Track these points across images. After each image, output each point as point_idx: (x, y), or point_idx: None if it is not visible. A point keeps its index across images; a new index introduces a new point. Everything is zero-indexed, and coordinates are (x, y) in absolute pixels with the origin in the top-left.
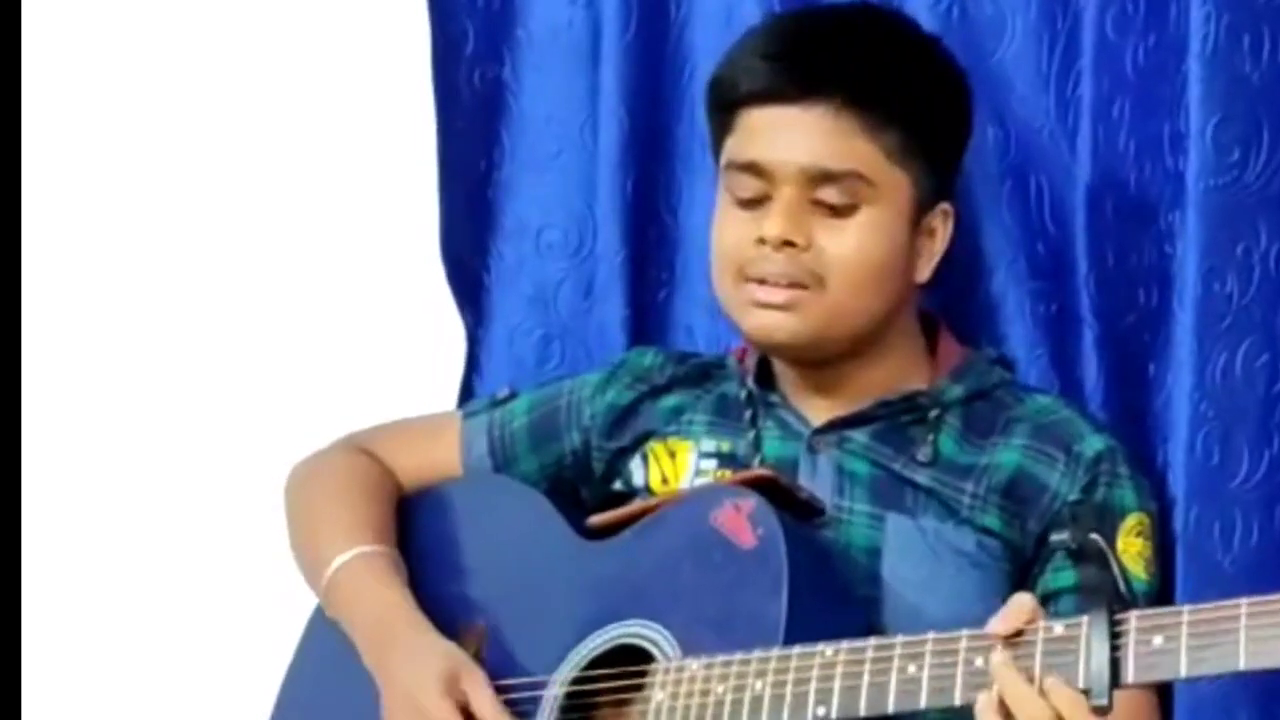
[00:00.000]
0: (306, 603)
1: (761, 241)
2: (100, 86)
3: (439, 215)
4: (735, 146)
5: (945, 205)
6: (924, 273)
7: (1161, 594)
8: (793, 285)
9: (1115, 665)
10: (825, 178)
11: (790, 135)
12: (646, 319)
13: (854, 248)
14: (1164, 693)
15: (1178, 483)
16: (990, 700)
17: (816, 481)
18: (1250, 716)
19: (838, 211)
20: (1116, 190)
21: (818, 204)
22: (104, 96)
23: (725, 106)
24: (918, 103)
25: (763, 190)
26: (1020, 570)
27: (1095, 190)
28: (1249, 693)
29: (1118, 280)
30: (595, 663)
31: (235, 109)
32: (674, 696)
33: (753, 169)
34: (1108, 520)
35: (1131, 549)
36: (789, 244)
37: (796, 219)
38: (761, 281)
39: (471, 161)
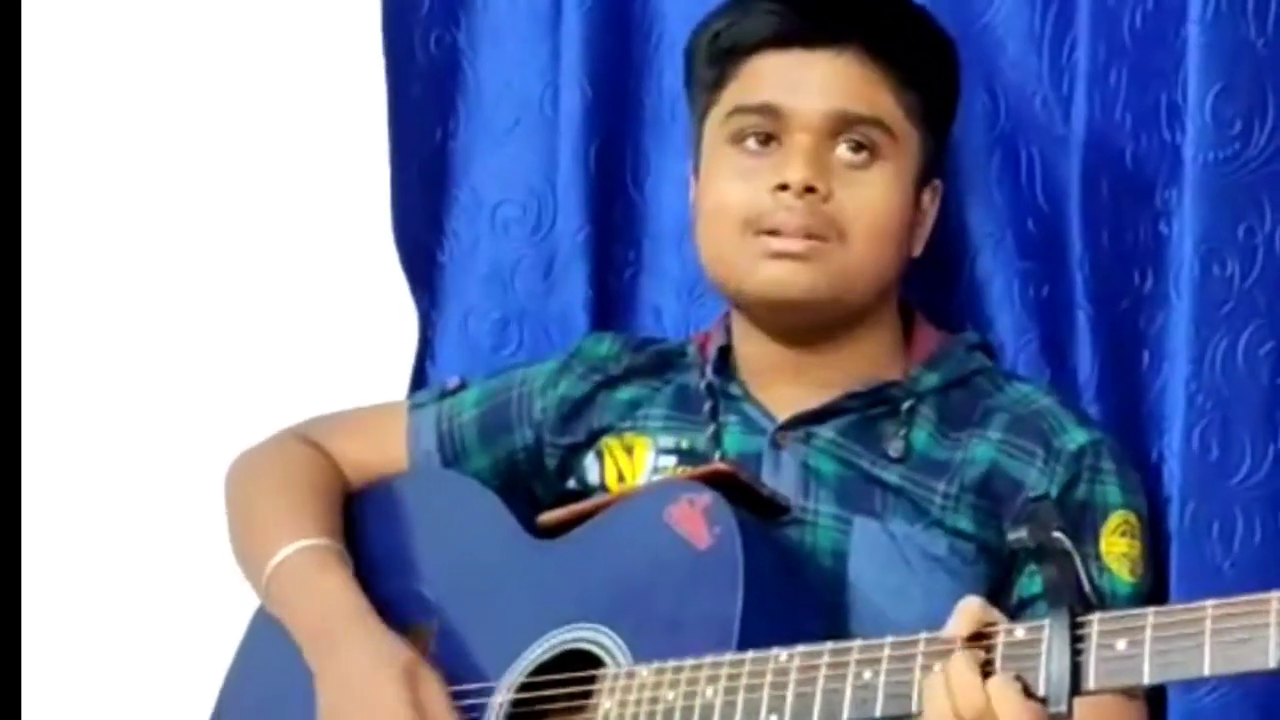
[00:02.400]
0: None
1: (781, 188)
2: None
3: (390, 190)
4: (741, 92)
5: (936, 181)
6: (917, 247)
7: (1155, 598)
8: (811, 237)
9: (1076, 671)
10: (849, 123)
11: (814, 80)
12: (611, 301)
13: (874, 199)
14: (1157, 703)
15: (1173, 479)
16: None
17: (780, 480)
18: None
19: (856, 163)
20: (1113, 164)
21: (834, 153)
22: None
23: (727, 55)
24: (931, 66)
25: (775, 133)
26: (999, 574)
27: (1090, 164)
28: (1250, 704)
29: (1113, 261)
30: (544, 668)
31: (172, 72)
32: (622, 705)
33: (767, 110)
34: (1089, 519)
35: (1115, 549)
36: (811, 190)
37: (817, 165)
38: (775, 233)
39: (425, 132)
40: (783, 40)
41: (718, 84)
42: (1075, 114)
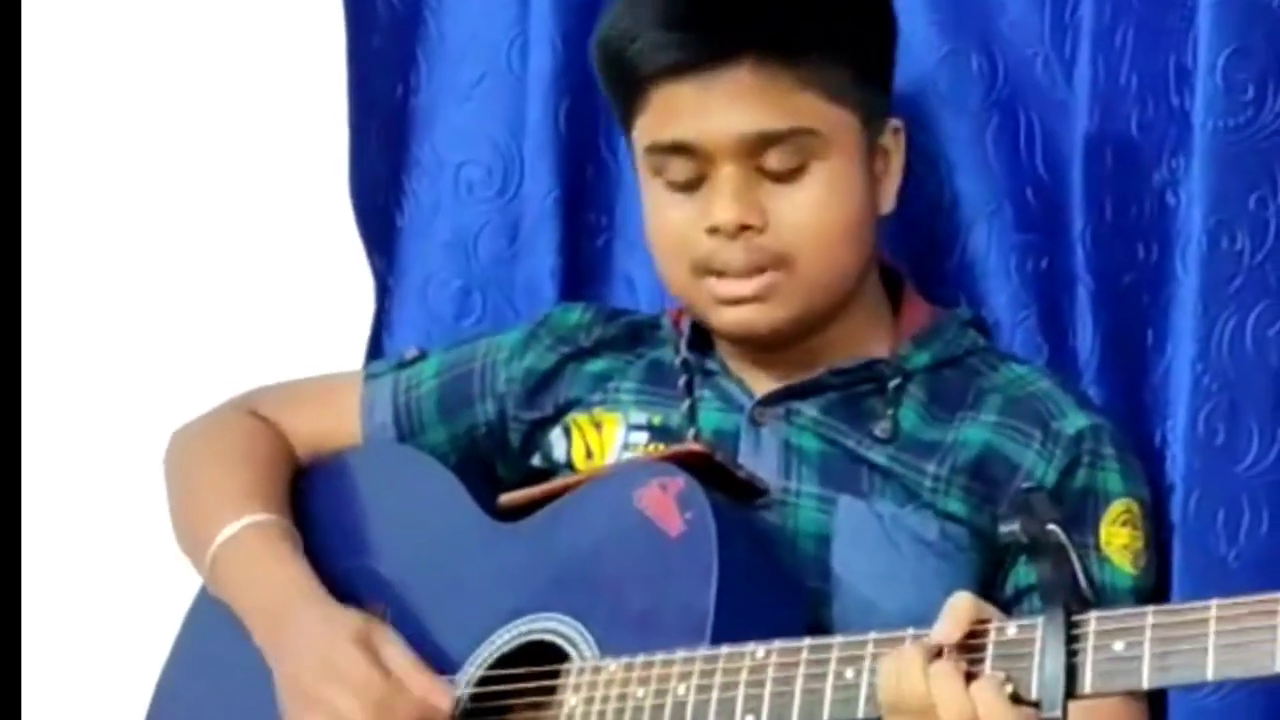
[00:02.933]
0: None
1: (714, 230)
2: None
3: (349, 149)
4: (654, 127)
5: (894, 121)
6: (888, 202)
7: (1158, 592)
8: (759, 271)
9: (1071, 672)
10: (768, 142)
11: (718, 106)
12: (580, 269)
13: (814, 214)
14: (1158, 702)
15: (1176, 466)
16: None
17: (759, 459)
18: None
19: (785, 176)
20: (1117, 131)
21: (761, 172)
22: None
23: (629, 82)
24: (845, 27)
25: (697, 171)
26: (992, 561)
27: (1094, 130)
28: (1258, 707)
29: (1116, 234)
30: (504, 660)
31: (123, 23)
32: (589, 701)
33: (683, 150)
34: (1090, 508)
35: (1117, 540)
36: (745, 228)
37: (746, 197)
38: (722, 274)
39: (385, 88)
40: (678, 70)
41: (628, 108)
42: (1078, 77)
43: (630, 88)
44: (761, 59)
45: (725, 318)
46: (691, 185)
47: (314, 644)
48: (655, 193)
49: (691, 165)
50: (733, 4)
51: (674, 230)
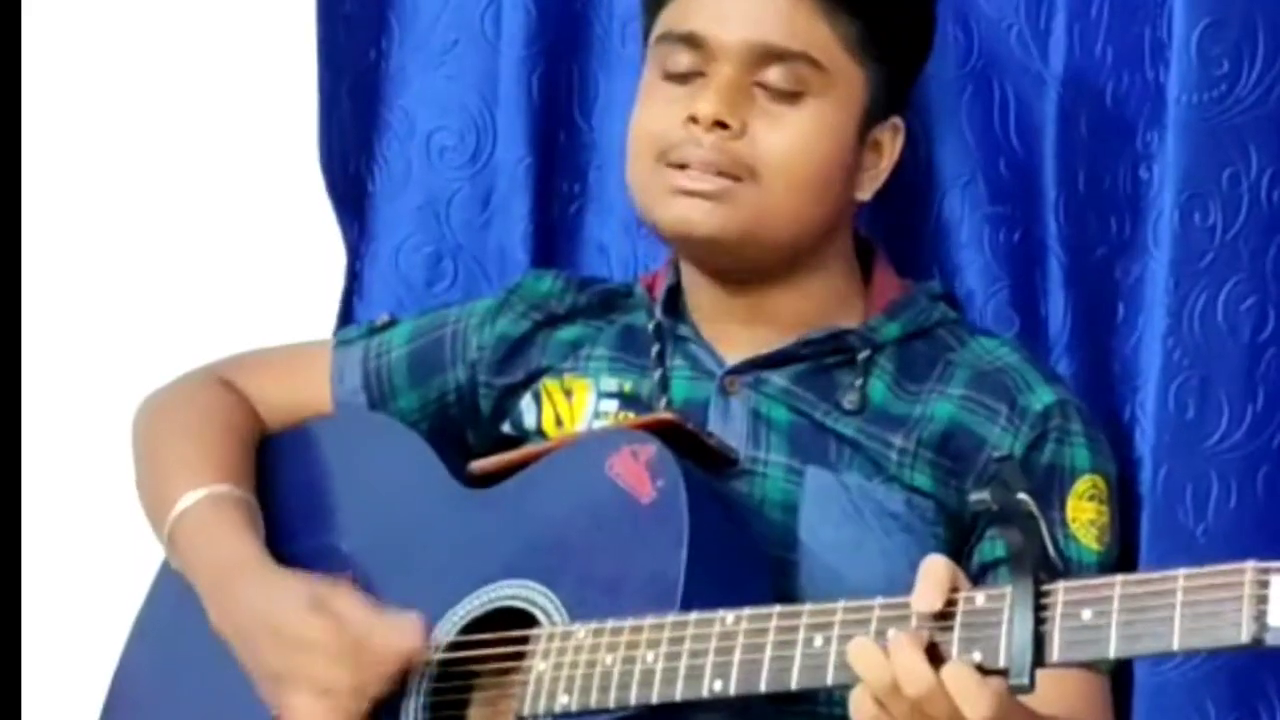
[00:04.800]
0: None
1: (692, 121)
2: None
3: (318, 113)
4: (673, 16)
5: (896, 119)
6: (867, 191)
7: (1125, 567)
8: (721, 175)
9: (1039, 641)
10: (773, 57)
11: (741, 7)
12: (552, 236)
13: (794, 139)
14: (1125, 679)
15: (1146, 439)
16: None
17: (729, 427)
18: (1219, 710)
19: (781, 98)
20: (1091, 104)
21: (759, 88)
22: None
23: None
24: None
25: (697, 65)
26: (958, 535)
27: (1068, 103)
28: (1220, 682)
29: (1089, 207)
30: (473, 626)
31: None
32: (557, 667)
33: (691, 40)
34: (1056, 483)
35: (1083, 515)
36: (722, 125)
37: (733, 100)
38: (684, 167)
39: (357, 51)
40: None
41: (658, 5)
42: (1053, 49)
43: None
44: None
45: (673, 210)
46: (687, 78)
47: (260, 620)
48: (651, 83)
49: (695, 58)
50: None
51: (654, 116)
